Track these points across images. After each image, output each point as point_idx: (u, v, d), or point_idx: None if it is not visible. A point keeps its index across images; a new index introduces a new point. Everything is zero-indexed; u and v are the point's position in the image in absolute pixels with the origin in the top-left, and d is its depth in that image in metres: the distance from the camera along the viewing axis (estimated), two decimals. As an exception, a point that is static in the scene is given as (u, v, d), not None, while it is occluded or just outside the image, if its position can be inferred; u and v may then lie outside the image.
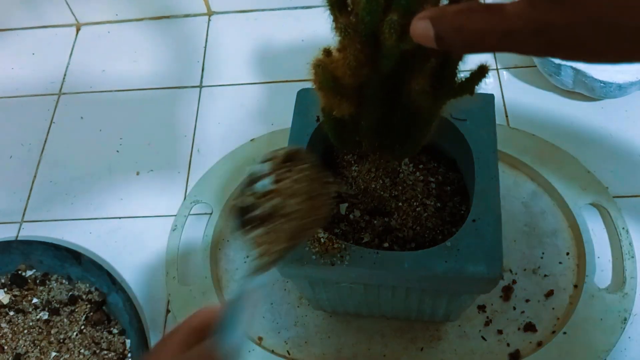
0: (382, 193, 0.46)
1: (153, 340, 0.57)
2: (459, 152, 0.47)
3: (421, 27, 0.28)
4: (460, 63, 0.35)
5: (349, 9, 0.34)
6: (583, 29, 0.24)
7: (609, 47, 0.25)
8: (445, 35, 0.27)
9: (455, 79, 0.35)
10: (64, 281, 0.60)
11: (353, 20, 0.33)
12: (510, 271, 0.57)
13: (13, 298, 0.59)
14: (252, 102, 0.72)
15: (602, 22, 0.24)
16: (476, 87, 0.35)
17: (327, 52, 0.35)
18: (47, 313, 0.58)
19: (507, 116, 0.66)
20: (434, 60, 0.34)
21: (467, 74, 0.36)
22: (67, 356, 0.55)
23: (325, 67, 0.35)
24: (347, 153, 0.48)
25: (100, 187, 0.68)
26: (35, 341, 0.56)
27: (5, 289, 0.60)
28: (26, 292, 0.60)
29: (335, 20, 0.34)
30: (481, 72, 0.35)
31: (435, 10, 0.28)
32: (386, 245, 0.44)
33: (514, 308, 0.55)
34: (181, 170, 0.68)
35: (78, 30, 0.83)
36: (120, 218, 0.65)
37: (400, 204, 0.45)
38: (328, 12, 0.35)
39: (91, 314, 0.58)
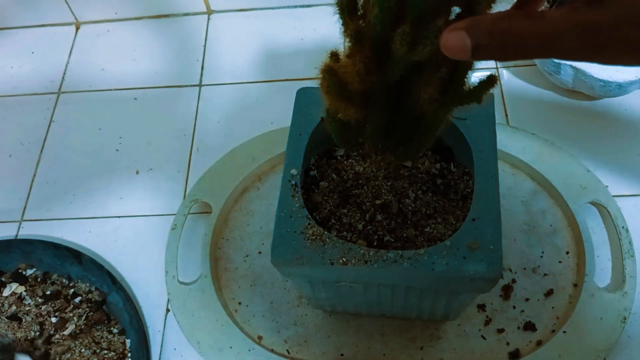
0: (383, 192, 0.46)
1: (153, 340, 0.57)
2: (458, 151, 0.47)
3: (456, 38, 0.28)
4: (469, 72, 0.35)
5: (359, 13, 0.33)
6: (629, 28, 0.25)
7: None
8: (484, 43, 0.27)
9: (464, 87, 0.35)
10: (64, 280, 0.60)
11: (363, 26, 0.33)
12: (510, 270, 0.57)
13: (29, 288, 0.59)
14: (251, 101, 0.72)
15: None
16: (484, 96, 0.35)
17: (334, 55, 0.35)
18: (47, 312, 0.58)
19: (506, 115, 0.66)
20: (445, 70, 0.33)
21: (475, 82, 0.36)
22: (67, 355, 0.55)
23: (334, 73, 0.35)
24: (349, 152, 0.48)
25: (100, 186, 0.68)
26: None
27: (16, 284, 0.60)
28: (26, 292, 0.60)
29: (346, 25, 0.34)
30: (490, 81, 0.35)
31: (470, 21, 0.28)
32: (386, 243, 0.44)
33: (514, 307, 0.55)
34: (181, 169, 0.68)
35: (77, 29, 0.83)
36: (119, 217, 0.65)
37: (400, 204, 0.45)
38: (337, 16, 0.34)
39: (91, 313, 0.58)
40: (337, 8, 0.34)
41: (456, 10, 0.32)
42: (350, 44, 0.34)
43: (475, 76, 0.35)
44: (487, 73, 0.35)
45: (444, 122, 0.39)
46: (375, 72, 0.34)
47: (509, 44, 0.27)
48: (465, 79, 0.35)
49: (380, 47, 0.33)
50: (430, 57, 0.31)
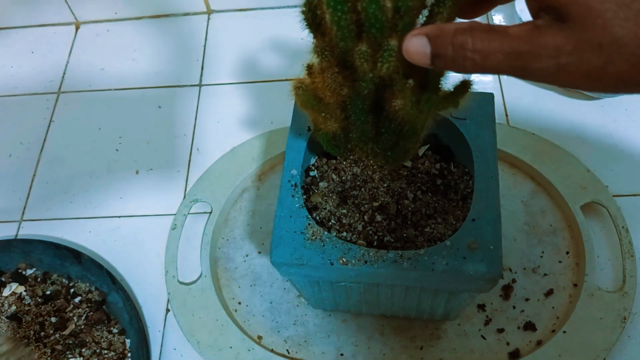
0: (380, 194, 0.46)
1: (153, 339, 0.57)
2: (458, 151, 0.47)
3: (416, 44, 0.27)
4: (442, 78, 0.34)
5: (326, 28, 0.33)
6: (590, 54, 0.24)
7: (612, 71, 0.24)
8: (444, 53, 0.27)
9: (438, 93, 0.35)
10: (64, 280, 0.60)
11: (329, 41, 0.33)
12: (510, 270, 0.57)
13: (29, 288, 0.59)
14: (251, 101, 0.72)
15: (609, 45, 0.24)
16: (460, 101, 0.35)
17: (309, 68, 0.35)
18: (47, 312, 0.58)
19: (506, 115, 0.66)
20: (412, 81, 0.33)
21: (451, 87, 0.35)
22: (67, 355, 0.55)
23: (306, 88, 0.35)
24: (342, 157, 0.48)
25: (100, 185, 0.68)
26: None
27: (16, 284, 0.60)
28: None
29: (314, 40, 0.34)
30: (464, 87, 0.34)
31: (433, 27, 0.27)
32: (386, 243, 0.44)
33: (514, 307, 0.55)
34: (181, 169, 0.68)
35: (77, 28, 0.83)
36: (119, 217, 0.65)
37: (398, 205, 0.45)
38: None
39: (91, 313, 0.58)
40: (305, 24, 0.34)
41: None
42: (318, 60, 0.34)
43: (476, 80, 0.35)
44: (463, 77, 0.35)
45: (426, 127, 0.39)
46: (345, 85, 0.35)
47: (469, 58, 0.26)
48: (439, 86, 0.35)
49: (348, 62, 0.33)
50: (396, 70, 0.31)
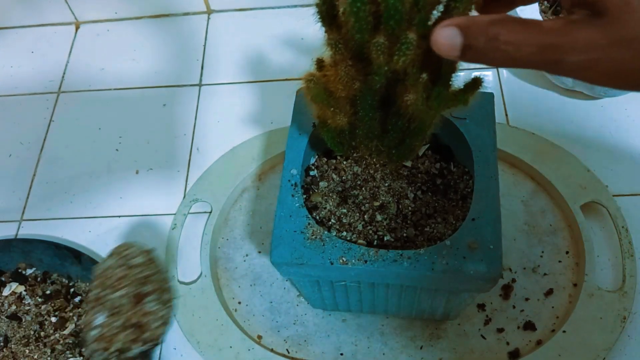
0: (380, 194, 0.46)
1: (152, 338, 0.57)
2: (458, 151, 0.47)
3: (446, 36, 0.27)
4: (453, 75, 0.34)
5: (341, 21, 0.33)
6: (623, 48, 0.24)
7: (637, 67, 0.24)
8: (476, 45, 0.26)
9: (449, 90, 0.35)
10: (63, 280, 0.60)
11: (344, 34, 0.33)
12: (510, 270, 0.57)
13: (29, 287, 0.59)
14: (251, 101, 0.72)
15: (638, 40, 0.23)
16: (470, 98, 0.35)
17: (319, 62, 0.35)
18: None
19: (506, 115, 0.66)
20: (426, 75, 0.33)
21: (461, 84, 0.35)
22: (67, 354, 0.55)
23: (317, 82, 0.35)
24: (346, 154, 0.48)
25: (100, 185, 0.68)
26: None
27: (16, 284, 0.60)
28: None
29: (327, 34, 0.34)
30: (475, 84, 0.34)
31: (464, 18, 0.27)
32: (386, 243, 0.44)
33: (514, 307, 0.55)
34: (180, 169, 0.68)
35: (77, 28, 0.83)
36: (119, 217, 0.65)
37: (399, 204, 0.45)
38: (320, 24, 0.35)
39: (91, 312, 0.58)
40: (319, 17, 0.34)
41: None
42: (331, 53, 0.34)
43: (475, 74, 0.35)
44: (476, 74, 0.35)
45: (433, 124, 0.39)
46: (358, 79, 0.35)
47: (501, 50, 0.26)
48: (450, 82, 0.35)
49: (362, 55, 0.33)
50: (411, 63, 0.31)
